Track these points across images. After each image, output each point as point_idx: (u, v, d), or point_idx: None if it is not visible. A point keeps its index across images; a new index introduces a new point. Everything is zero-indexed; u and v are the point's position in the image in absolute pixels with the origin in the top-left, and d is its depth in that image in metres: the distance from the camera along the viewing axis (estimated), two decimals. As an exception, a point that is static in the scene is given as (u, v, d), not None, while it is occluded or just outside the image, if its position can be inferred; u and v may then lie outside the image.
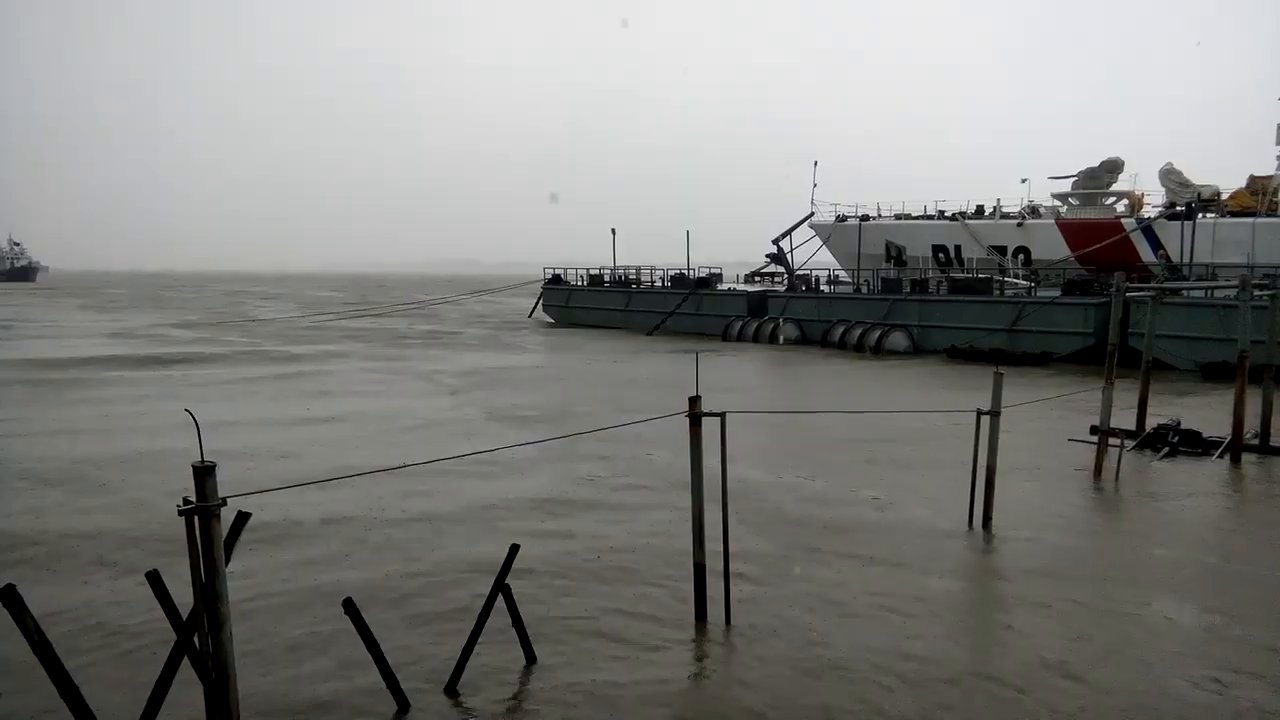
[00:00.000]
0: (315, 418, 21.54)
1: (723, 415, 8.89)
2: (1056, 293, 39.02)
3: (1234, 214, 42.87)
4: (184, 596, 5.78)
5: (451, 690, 7.55)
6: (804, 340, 45.45)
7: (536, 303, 64.66)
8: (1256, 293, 19.71)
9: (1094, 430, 16.86)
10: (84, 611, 9.26)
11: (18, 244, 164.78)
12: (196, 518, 5.20)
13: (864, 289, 48.24)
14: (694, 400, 8.82)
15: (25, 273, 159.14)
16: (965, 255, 51.44)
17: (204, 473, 5.15)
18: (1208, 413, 22.09)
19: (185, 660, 6.08)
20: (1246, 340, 17.26)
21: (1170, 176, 46.35)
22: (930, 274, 47.57)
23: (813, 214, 57.75)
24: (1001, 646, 8.64)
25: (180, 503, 5.24)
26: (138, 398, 24.73)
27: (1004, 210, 51.79)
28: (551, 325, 60.26)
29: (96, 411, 22.24)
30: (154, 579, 6.05)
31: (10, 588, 5.46)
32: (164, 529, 11.69)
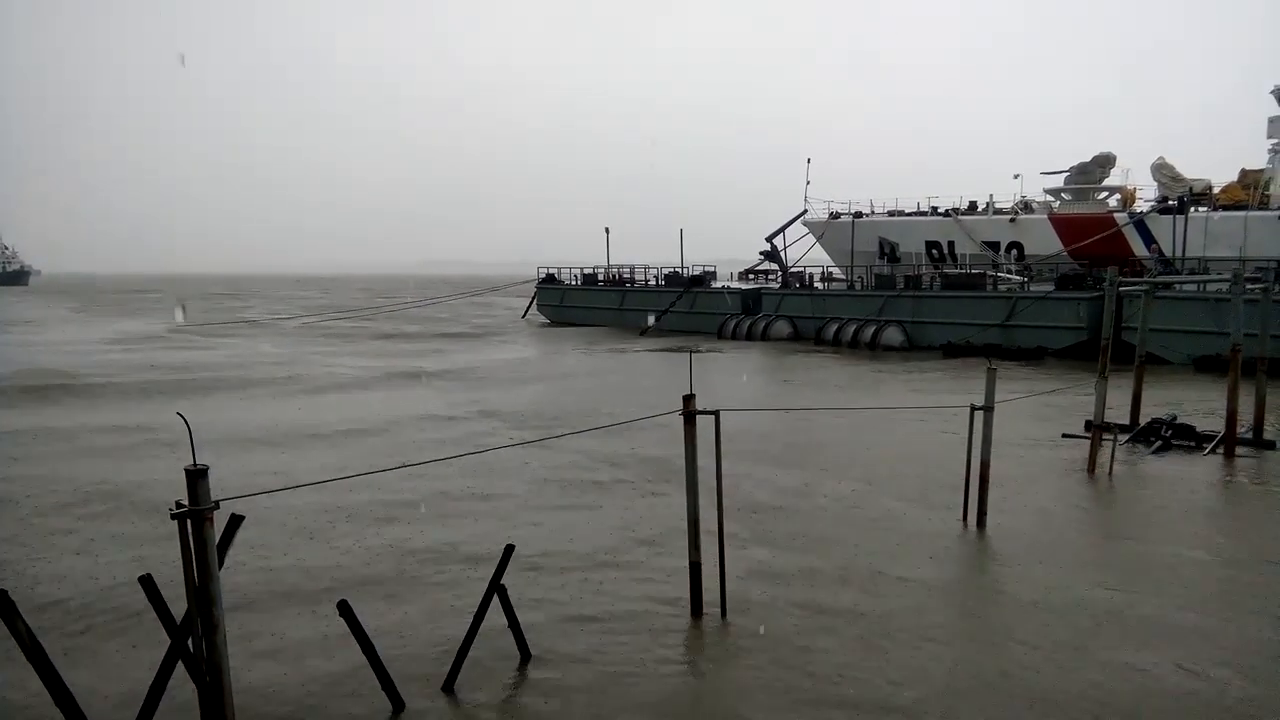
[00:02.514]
0: (306, 421, 21.50)
1: (716, 413, 8.89)
2: (1050, 288, 39.09)
3: (1226, 208, 42.94)
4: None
5: (448, 689, 7.54)
6: (798, 337, 45.47)
7: (531, 302, 64.62)
8: (1248, 286, 19.77)
9: (1088, 425, 16.90)
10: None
11: (8, 248, 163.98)
12: (189, 521, 5.18)
13: (858, 285, 48.28)
14: (688, 398, 8.82)
15: (17, 277, 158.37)
16: (958, 251, 51.47)
17: (196, 476, 5.13)
18: (1202, 406, 22.16)
19: (180, 663, 6.08)
20: (1239, 333, 17.31)
21: (1162, 171, 46.41)
22: (924, 270, 47.61)
23: (806, 211, 57.76)
24: (996, 639, 8.65)
25: (173, 505, 5.22)
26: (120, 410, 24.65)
27: (997, 206, 51.84)
28: (546, 324, 60.24)
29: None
30: (147, 583, 6.04)
31: (2, 593, 5.44)
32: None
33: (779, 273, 54.93)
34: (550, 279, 64.07)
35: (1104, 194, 49.89)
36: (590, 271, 62.25)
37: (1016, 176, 52.69)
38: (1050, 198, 51.37)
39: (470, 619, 7.69)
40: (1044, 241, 47.99)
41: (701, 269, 56.73)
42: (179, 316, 60.69)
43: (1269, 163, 43.79)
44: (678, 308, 52.35)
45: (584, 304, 59.76)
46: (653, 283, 57.83)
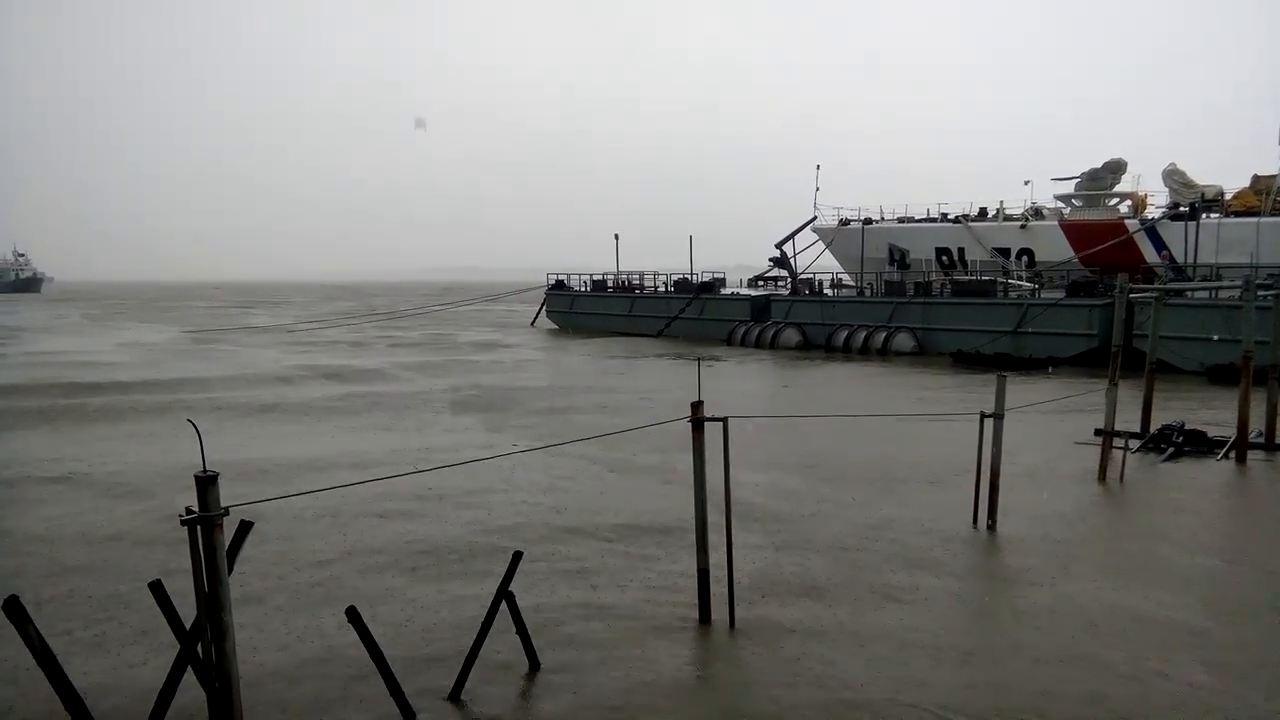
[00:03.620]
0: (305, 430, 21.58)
1: (725, 420, 8.87)
2: (1060, 294, 38.97)
3: (1238, 214, 42.76)
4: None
5: (455, 698, 7.54)
6: (808, 344, 45.44)
7: (540, 309, 64.73)
8: (1260, 293, 19.67)
9: (1098, 432, 16.83)
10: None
11: (22, 255, 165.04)
12: (199, 527, 5.20)
13: (867, 292, 48.21)
14: (696, 405, 8.82)
15: (30, 284, 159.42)
16: (968, 257, 51.38)
17: (206, 482, 5.15)
18: (1214, 413, 22.03)
19: (189, 670, 6.10)
20: (1251, 340, 17.23)
21: (1173, 177, 46.26)
22: (933, 277, 47.54)
23: (815, 218, 57.77)
24: (1006, 642, 8.60)
25: (182, 512, 5.25)
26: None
27: (1007, 212, 51.74)
28: (555, 331, 60.32)
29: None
30: (157, 589, 6.06)
31: (13, 598, 5.47)
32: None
33: (788, 280, 54.91)
34: (559, 285, 64.15)
35: (1115, 200, 49.76)
36: (600, 278, 62.32)
37: (1027, 183, 52.58)
38: (1061, 204, 51.25)
39: (478, 627, 7.70)
40: (1055, 248, 47.86)
41: (711, 276, 56.75)
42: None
43: (1281, 168, 43.62)
44: (687, 314, 52.38)
45: (593, 310, 59.82)
46: (662, 289, 57.89)
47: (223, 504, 5.20)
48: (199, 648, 5.75)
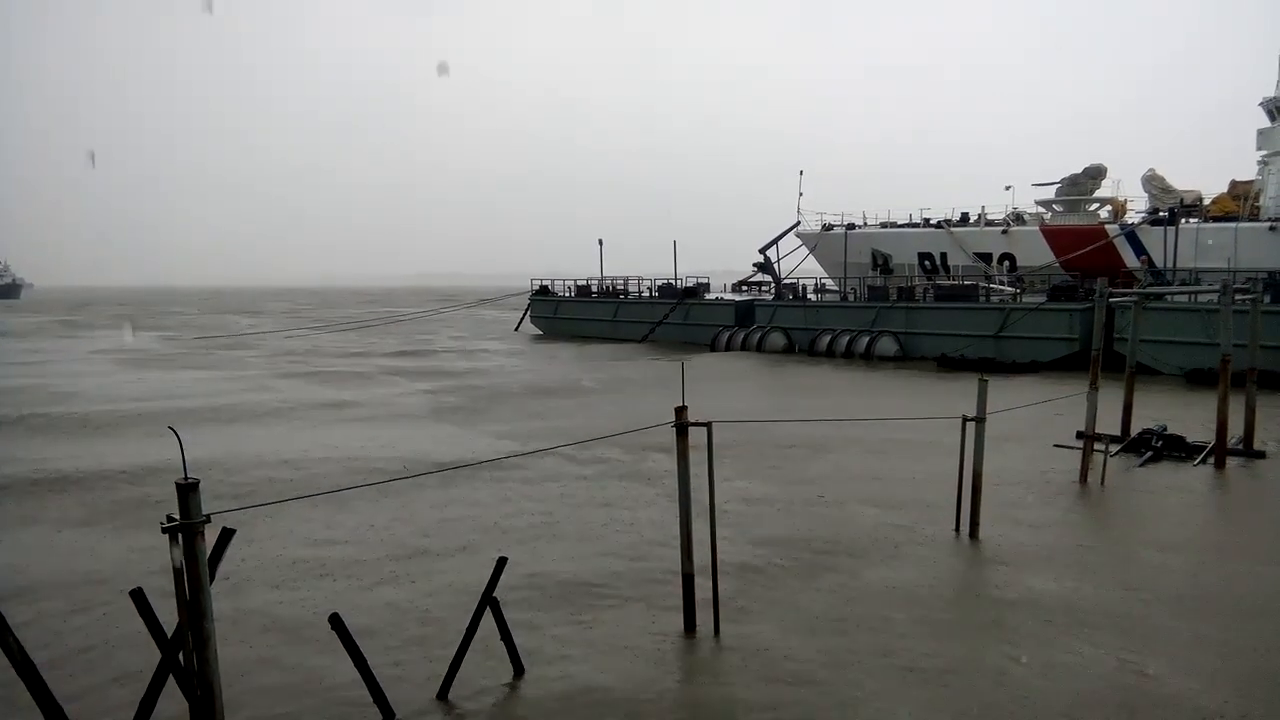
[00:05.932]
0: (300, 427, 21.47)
1: (709, 425, 8.89)
2: (1042, 299, 39.26)
3: (1216, 219, 43.22)
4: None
5: (440, 702, 7.53)
6: (792, 348, 45.56)
7: (524, 314, 64.60)
8: (1238, 297, 19.87)
9: (1079, 435, 16.95)
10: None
11: (0, 261, 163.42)
12: (180, 534, 5.18)
13: (851, 297, 48.39)
14: (680, 410, 8.83)
15: (9, 290, 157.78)
16: (951, 262, 51.66)
17: (187, 490, 5.14)
18: (1193, 416, 22.22)
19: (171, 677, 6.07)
20: (1229, 344, 17.39)
21: (1153, 182, 46.70)
22: (916, 281, 47.79)
23: (799, 223, 57.91)
24: (988, 649, 8.66)
25: (164, 519, 5.23)
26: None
27: (988, 218, 52.07)
28: (539, 336, 60.25)
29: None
30: (138, 597, 6.04)
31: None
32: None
33: (772, 284, 55.03)
34: (544, 291, 64.03)
35: (1095, 205, 50.16)
36: (584, 283, 62.28)
37: (1008, 188, 52.90)
38: (1041, 209, 51.61)
39: (463, 633, 7.70)
40: (1036, 253, 48.19)
41: (695, 280, 56.81)
42: (128, 336, 59.49)
43: (1258, 174, 44.10)
44: (672, 319, 52.41)
45: (577, 316, 59.76)
46: (647, 294, 57.91)
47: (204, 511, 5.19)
48: (180, 655, 5.72)
